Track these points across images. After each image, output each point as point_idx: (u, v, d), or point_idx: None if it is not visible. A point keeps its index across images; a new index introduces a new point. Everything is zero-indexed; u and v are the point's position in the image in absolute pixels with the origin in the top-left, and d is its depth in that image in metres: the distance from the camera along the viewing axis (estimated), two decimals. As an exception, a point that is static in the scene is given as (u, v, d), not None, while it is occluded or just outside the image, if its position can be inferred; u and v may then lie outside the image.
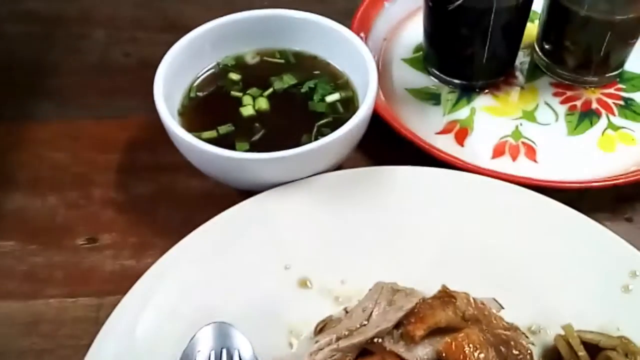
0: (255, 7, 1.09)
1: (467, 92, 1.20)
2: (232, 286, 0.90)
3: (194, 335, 0.83)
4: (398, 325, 0.77)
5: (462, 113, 1.17)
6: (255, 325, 0.86)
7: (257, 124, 1.03)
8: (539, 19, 1.22)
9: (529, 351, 0.78)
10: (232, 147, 0.99)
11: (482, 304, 0.82)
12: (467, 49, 1.17)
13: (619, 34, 1.17)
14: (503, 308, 0.85)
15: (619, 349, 0.86)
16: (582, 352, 0.85)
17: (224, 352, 0.83)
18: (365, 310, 0.80)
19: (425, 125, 1.15)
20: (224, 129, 1.02)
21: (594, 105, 1.19)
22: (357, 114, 0.97)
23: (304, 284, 0.92)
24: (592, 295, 0.91)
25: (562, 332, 0.88)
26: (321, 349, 0.76)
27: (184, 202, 1.06)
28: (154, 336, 0.84)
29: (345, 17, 1.21)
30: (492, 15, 1.10)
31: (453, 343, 0.74)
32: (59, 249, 1.00)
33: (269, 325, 0.87)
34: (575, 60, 1.21)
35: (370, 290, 0.83)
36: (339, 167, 1.04)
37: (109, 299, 0.92)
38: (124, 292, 0.86)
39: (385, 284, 0.82)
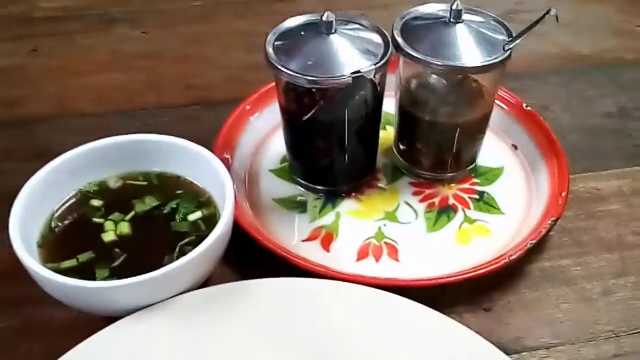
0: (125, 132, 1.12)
1: (332, 198, 1.25)
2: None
3: None
4: None
5: (328, 219, 1.22)
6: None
7: (118, 249, 1.05)
8: (394, 123, 1.30)
9: None
10: (92, 275, 0.99)
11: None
12: (326, 157, 1.23)
13: (466, 133, 1.26)
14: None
15: None
16: None
17: None
18: None
19: (292, 233, 1.19)
20: (84, 257, 1.03)
21: (451, 201, 1.26)
22: (214, 230, 0.99)
23: None
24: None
25: None
26: None
27: (46, 333, 1.05)
28: None
29: (212, 135, 1.26)
30: (346, 125, 1.17)
31: None
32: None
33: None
34: (430, 160, 1.28)
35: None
36: (205, 283, 1.05)
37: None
38: None
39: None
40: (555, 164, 1.29)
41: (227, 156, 1.14)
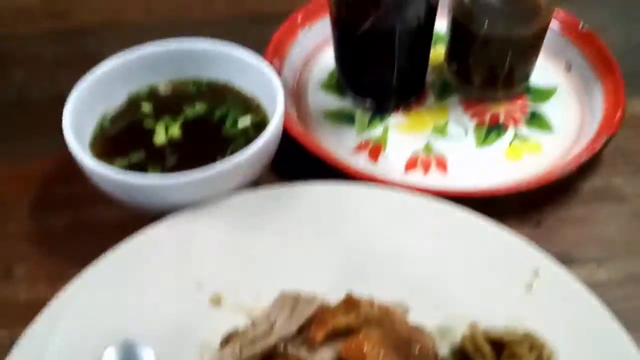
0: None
1: (380, 112, 1.23)
2: (142, 308, 0.90)
3: (100, 356, 0.83)
4: (301, 331, 0.79)
5: (376, 131, 1.21)
6: (165, 344, 0.86)
7: (169, 151, 1.05)
8: (446, 40, 1.27)
9: (432, 350, 0.79)
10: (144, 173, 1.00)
11: (387, 307, 0.84)
12: (376, 72, 1.21)
13: (519, 50, 1.22)
14: (408, 311, 0.86)
15: (523, 343, 0.88)
16: (486, 348, 0.87)
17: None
18: (270, 320, 0.81)
19: (340, 144, 1.18)
20: (135, 156, 1.04)
21: (502, 119, 1.23)
22: (265, 132, 0.99)
23: (216, 301, 0.92)
24: (497, 294, 0.93)
25: (467, 333, 0.90)
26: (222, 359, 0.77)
27: (99, 232, 1.06)
28: (69, 350, 0.84)
29: (261, 45, 1.25)
30: (397, 38, 1.14)
31: (352, 344, 0.76)
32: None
33: (179, 343, 0.87)
34: (481, 78, 1.25)
35: (274, 300, 0.84)
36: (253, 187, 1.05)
37: (22, 331, 0.91)
38: (37, 322, 0.86)
39: (289, 293, 0.83)
40: (610, 84, 1.25)
41: (277, 64, 1.12)
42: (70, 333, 0.87)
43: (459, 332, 0.91)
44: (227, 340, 0.82)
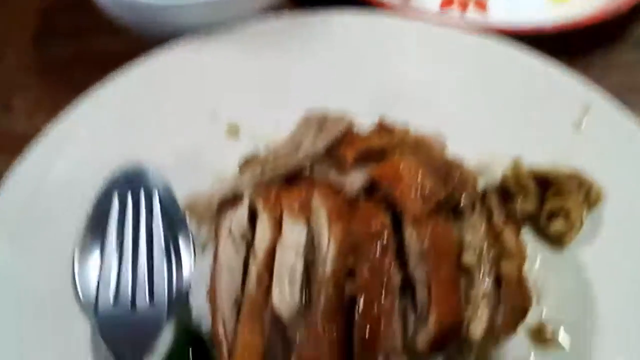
0: None
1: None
2: (153, 133, 0.83)
3: (108, 178, 0.75)
4: (330, 153, 0.70)
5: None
6: (178, 172, 0.79)
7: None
8: None
9: (473, 180, 0.71)
10: None
11: (422, 137, 0.75)
12: None
13: None
14: (446, 146, 0.78)
15: (571, 181, 0.80)
16: (530, 185, 0.79)
17: (143, 195, 0.75)
18: (294, 142, 0.72)
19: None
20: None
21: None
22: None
23: (233, 131, 0.84)
24: (543, 131, 0.85)
25: (509, 170, 0.82)
26: (243, 183, 0.69)
27: (104, 63, 0.96)
28: (67, 182, 0.77)
29: None
30: None
31: (387, 165, 0.68)
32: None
33: (193, 172, 0.79)
34: None
35: (299, 121, 0.75)
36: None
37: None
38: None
39: (315, 113, 0.74)
40: None
41: None
42: (74, 157, 0.80)
43: (499, 170, 0.82)
44: (246, 165, 0.74)
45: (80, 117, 0.80)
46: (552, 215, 0.79)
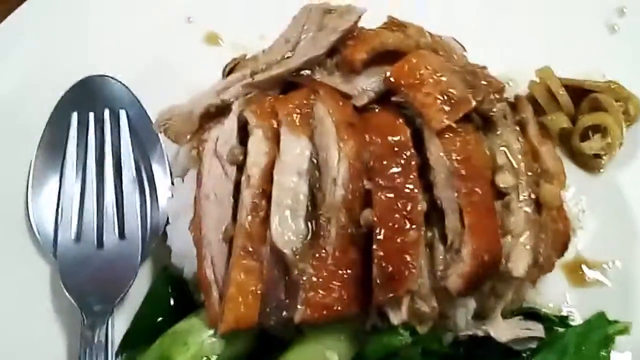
0: None
1: None
2: (117, 37, 0.69)
3: (64, 93, 0.62)
4: (332, 53, 0.58)
5: None
6: (150, 84, 0.65)
7: None
8: None
9: (500, 84, 0.59)
10: None
11: (440, 37, 0.63)
12: None
13: None
14: (465, 50, 0.66)
15: (608, 92, 0.69)
16: (562, 93, 0.67)
17: (107, 113, 0.62)
18: (290, 41, 0.60)
19: None
20: None
21: None
22: None
23: (212, 39, 0.71)
24: (572, 38, 0.74)
25: (537, 80, 0.70)
26: (230, 87, 0.56)
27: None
28: (16, 98, 0.63)
29: None
30: None
31: (405, 65, 0.55)
32: None
33: (167, 84, 0.66)
34: None
35: (294, 17, 0.62)
36: None
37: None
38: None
39: (315, 5, 0.61)
40: None
41: None
42: (23, 67, 0.66)
43: (525, 80, 0.71)
44: (231, 70, 0.61)
45: (31, 18, 0.66)
46: (586, 132, 0.68)
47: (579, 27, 0.74)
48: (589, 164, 0.69)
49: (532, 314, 0.58)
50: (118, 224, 0.61)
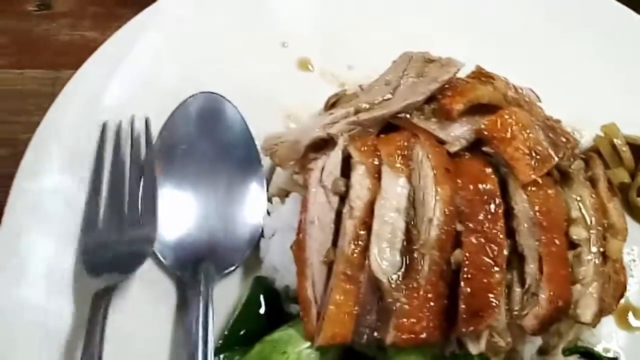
0: None
1: None
2: (219, 58, 0.75)
3: (179, 105, 0.67)
4: (430, 100, 0.63)
5: None
6: (248, 104, 0.71)
7: None
8: None
9: (576, 141, 0.65)
10: None
11: (522, 89, 0.69)
12: None
13: None
14: (540, 101, 0.71)
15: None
16: (625, 149, 0.73)
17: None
18: (389, 84, 0.65)
19: None
20: None
21: None
22: None
23: (304, 65, 0.77)
24: (637, 92, 0.78)
25: (602, 134, 0.76)
26: (336, 122, 0.62)
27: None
28: (123, 105, 0.69)
29: None
30: None
31: (498, 120, 0.61)
32: (3, 14, 0.81)
33: (263, 105, 0.73)
34: None
35: (394, 61, 0.68)
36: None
37: (67, 73, 0.75)
38: (86, 66, 0.69)
39: (415, 54, 0.67)
40: None
41: None
42: (131, 75, 0.72)
43: (588, 134, 0.76)
44: (333, 103, 0.67)
45: (138, 35, 0.71)
46: (644, 188, 0.74)
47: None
48: (642, 218, 0.74)
49: (587, 353, 0.64)
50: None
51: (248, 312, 0.63)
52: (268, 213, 0.67)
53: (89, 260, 0.62)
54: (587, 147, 0.76)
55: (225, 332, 0.62)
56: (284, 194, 0.67)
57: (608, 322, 0.68)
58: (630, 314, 0.70)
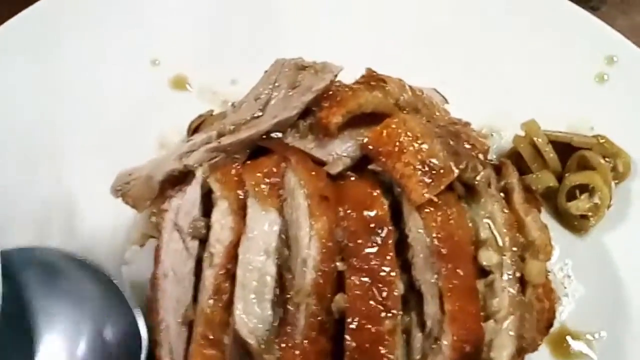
0: None
1: None
2: (70, 85, 0.64)
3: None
4: (305, 114, 0.53)
5: None
6: (114, 132, 0.61)
7: None
8: None
9: (485, 146, 0.55)
10: None
11: (421, 92, 0.59)
12: None
13: None
14: (447, 102, 0.62)
15: (595, 149, 0.66)
16: (548, 150, 0.64)
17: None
18: (260, 99, 0.56)
19: None
20: None
21: None
22: None
23: (180, 84, 0.66)
24: (559, 88, 0.70)
25: (522, 133, 0.66)
26: (194, 150, 0.52)
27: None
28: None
29: None
30: None
31: (384, 131, 0.51)
32: None
33: (133, 135, 0.62)
34: None
35: (266, 71, 0.58)
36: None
37: None
38: None
39: (287, 60, 0.57)
40: None
41: None
42: None
43: (506, 136, 0.67)
44: (197, 127, 0.57)
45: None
46: (573, 192, 0.65)
47: (566, 75, 0.70)
48: (576, 225, 0.65)
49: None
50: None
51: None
52: (126, 262, 0.57)
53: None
54: (504, 151, 0.66)
55: None
56: (146, 240, 0.57)
57: (542, 354, 0.59)
58: (569, 339, 0.60)
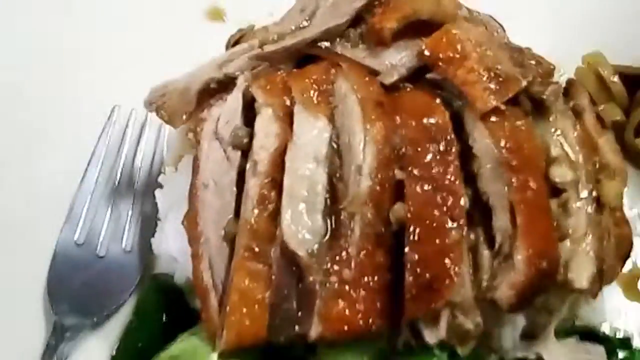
0: None
1: None
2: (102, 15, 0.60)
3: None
4: (356, 22, 0.49)
5: None
6: (146, 65, 0.58)
7: None
8: None
9: (551, 66, 0.50)
10: None
11: (478, 13, 0.54)
12: None
13: None
14: (504, 30, 0.57)
15: (667, 82, 0.60)
16: (615, 81, 0.58)
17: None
18: (305, 10, 0.51)
19: None
20: None
21: None
22: None
23: (216, 14, 0.63)
24: (626, 17, 0.64)
25: (585, 66, 0.61)
26: (234, 59, 0.47)
27: None
28: None
29: None
30: None
31: (444, 37, 0.46)
32: None
33: (166, 67, 0.58)
34: None
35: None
36: None
37: None
38: None
39: (335, -29, 0.52)
40: None
41: None
42: None
43: (573, 67, 0.62)
44: (237, 41, 0.52)
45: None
46: (640, 128, 0.59)
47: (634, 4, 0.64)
48: (642, 161, 0.60)
49: (589, 334, 0.49)
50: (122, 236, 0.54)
51: (141, 320, 0.49)
52: (161, 186, 0.52)
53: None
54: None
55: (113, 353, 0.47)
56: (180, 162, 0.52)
57: (613, 294, 0.53)
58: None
